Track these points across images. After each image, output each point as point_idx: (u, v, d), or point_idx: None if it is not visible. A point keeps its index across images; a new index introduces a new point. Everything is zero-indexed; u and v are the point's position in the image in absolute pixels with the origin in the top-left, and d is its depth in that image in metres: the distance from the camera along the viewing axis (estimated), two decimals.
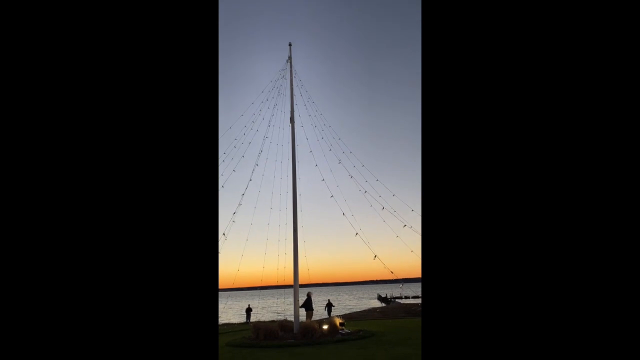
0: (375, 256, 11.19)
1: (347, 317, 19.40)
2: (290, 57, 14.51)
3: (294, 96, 13.87)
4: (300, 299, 12.29)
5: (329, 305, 21.00)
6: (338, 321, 12.11)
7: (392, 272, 10.87)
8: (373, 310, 29.26)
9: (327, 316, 19.32)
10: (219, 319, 25.57)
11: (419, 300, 34.18)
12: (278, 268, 12.73)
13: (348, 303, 48.08)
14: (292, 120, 13.54)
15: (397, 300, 46.78)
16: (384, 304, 41.14)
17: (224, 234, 10.98)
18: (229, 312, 39.38)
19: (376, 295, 60.80)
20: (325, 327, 11.41)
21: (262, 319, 22.25)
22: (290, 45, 14.77)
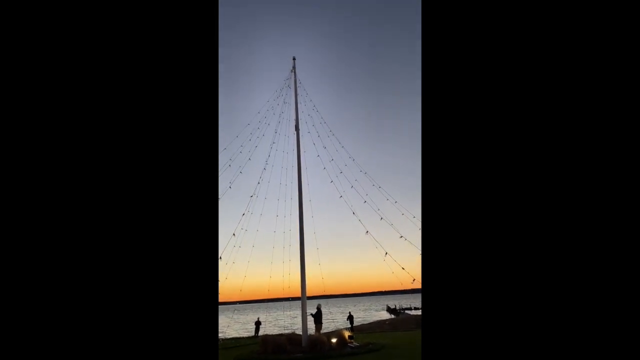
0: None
1: (356, 330, 19.17)
2: (294, 67, 14.72)
3: (299, 104, 14.04)
4: (308, 311, 12.16)
5: (351, 317, 21.11)
6: (347, 334, 11.94)
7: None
8: (382, 322, 28.89)
9: (350, 327, 19.33)
10: (227, 333, 25.39)
11: None
12: (283, 275, 12.65)
13: (356, 315, 47.60)
14: (297, 128, 13.66)
15: (406, 311, 46.24)
16: (392, 316, 40.66)
17: (234, 235, 11.01)
18: (236, 325, 39.05)
19: (384, 307, 60.20)
20: (334, 340, 11.25)
21: (270, 332, 22.07)
22: (294, 59, 14.97)
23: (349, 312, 22.68)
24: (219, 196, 10.78)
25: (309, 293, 12.09)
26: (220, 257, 10.25)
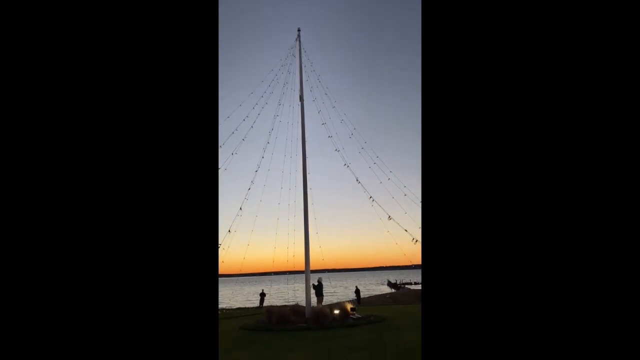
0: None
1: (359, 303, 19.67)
2: (299, 36, 14.46)
3: (303, 75, 13.86)
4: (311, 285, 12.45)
5: (358, 292, 21.62)
6: (349, 306, 12.27)
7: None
8: (383, 295, 29.56)
9: (356, 301, 19.84)
10: (231, 304, 26.08)
11: None
12: (288, 247, 12.88)
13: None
14: (301, 98, 13.53)
15: (406, 286, 47.15)
16: (393, 290, 41.51)
17: (240, 209, 11.18)
18: (239, 297, 40.03)
19: (385, 281, 61.36)
20: (336, 312, 11.57)
21: (274, 304, 22.68)
22: (299, 30, 14.68)
23: (356, 286, 23.18)
24: (223, 166, 10.87)
25: (312, 267, 12.34)
26: (230, 230, 10.44)
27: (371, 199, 11.85)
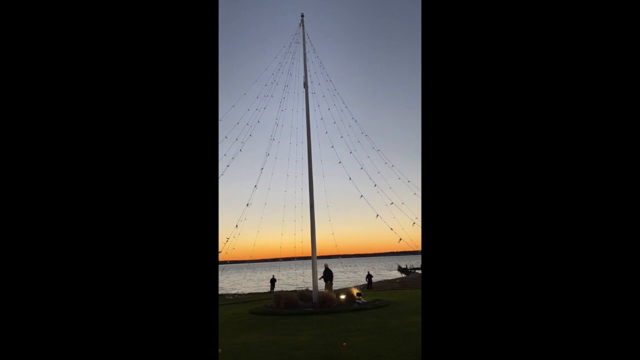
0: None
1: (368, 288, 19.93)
2: (302, 22, 14.42)
3: (307, 61, 13.88)
4: (318, 271, 12.69)
5: (369, 277, 21.89)
6: (355, 291, 12.51)
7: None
8: (392, 280, 29.83)
9: (369, 286, 20.11)
10: (242, 289, 26.62)
11: None
12: (295, 233, 13.15)
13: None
14: (305, 85, 13.56)
15: (417, 270, 47.32)
16: (403, 275, 41.74)
17: (248, 205, 11.48)
18: (250, 282, 40.79)
19: (396, 267, 61.60)
20: (342, 297, 11.82)
21: (285, 289, 23.16)
22: (302, 16, 14.62)
23: (368, 272, 23.46)
24: (230, 155, 11.09)
25: (321, 252, 12.59)
26: (237, 226, 10.77)
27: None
